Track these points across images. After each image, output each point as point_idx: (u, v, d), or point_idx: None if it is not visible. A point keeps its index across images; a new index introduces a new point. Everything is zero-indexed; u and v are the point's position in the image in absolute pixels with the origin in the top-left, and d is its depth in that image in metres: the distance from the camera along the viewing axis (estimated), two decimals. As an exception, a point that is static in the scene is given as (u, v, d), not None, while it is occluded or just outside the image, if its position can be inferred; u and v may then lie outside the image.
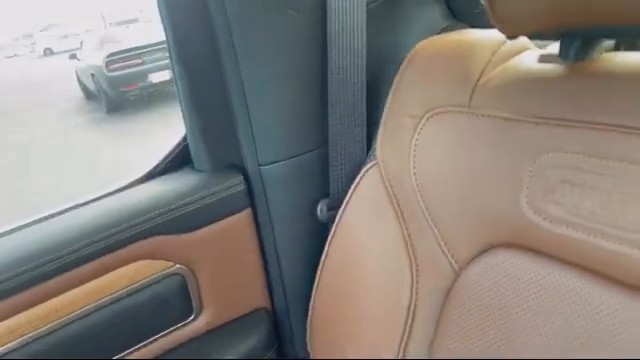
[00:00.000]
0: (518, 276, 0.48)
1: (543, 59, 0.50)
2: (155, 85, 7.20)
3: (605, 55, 0.47)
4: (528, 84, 0.49)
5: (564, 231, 0.45)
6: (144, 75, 7.23)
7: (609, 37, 0.47)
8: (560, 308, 0.45)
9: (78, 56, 9.17)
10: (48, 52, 26.66)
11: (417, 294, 0.57)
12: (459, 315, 0.52)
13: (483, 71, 0.53)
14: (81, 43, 11.49)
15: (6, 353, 0.59)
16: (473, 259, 0.52)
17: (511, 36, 0.47)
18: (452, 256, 0.54)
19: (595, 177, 0.43)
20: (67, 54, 10.77)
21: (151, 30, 7.84)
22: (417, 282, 0.57)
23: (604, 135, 0.43)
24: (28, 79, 15.29)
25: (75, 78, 10.02)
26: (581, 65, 0.47)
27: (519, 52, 0.54)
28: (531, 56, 0.52)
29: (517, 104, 0.48)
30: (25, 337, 0.60)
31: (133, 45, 7.38)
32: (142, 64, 7.24)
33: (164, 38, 0.65)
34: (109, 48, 7.74)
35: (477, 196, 0.51)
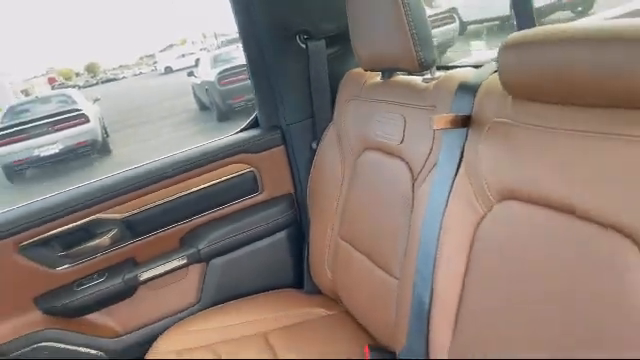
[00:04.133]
0: (369, 160, 1.28)
1: (381, 77, 1.30)
2: (259, 97, 8.18)
3: (399, 76, 1.28)
4: (373, 87, 1.30)
5: (379, 139, 1.24)
6: (250, 88, 8.28)
7: (398, 71, 1.27)
8: (384, 173, 1.24)
9: (195, 73, 10.42)
10: (168, 70, 29.63)
11: (344, 175, 1.39)
12: (356, 182, 1.33)
13: (365, 82, 1.34)
14: (196, 61, 12.72)
15: (165, 202, 1.48)
16: (359, 155, 1.32)
17: (366, 69, 1.30)
18: (355, 155, 1.34)
19: (387, 119, 1.23)
20: (184, 71, 11.96)
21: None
22: (344, 170, 1.38)
23: (390, 105, 1.22)
24: (152, 93, 17.39)
25: (191, 92, 11.30)
26: (389, 80, 1.27)
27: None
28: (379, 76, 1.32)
29: (368, 94, 1.30)
30: (176, 195, 1.49)
31: (241, 62, 8.49)
32: (248, 79, 8.31)
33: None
34: (220, 65, 8.90)
35: (360, 127, 1.31)
